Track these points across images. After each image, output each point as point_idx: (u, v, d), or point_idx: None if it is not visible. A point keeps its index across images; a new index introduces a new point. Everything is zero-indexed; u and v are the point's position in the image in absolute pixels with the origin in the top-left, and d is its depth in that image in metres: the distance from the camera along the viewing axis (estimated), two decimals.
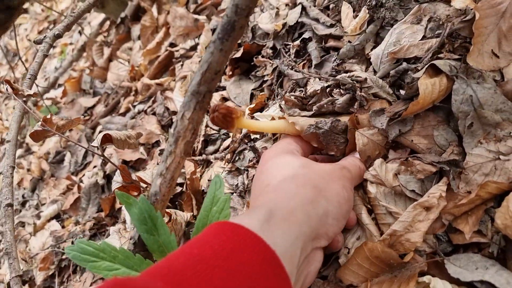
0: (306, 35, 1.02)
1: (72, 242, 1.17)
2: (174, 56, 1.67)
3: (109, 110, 1.93)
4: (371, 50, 0.82)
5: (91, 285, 1.21)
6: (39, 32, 3.72)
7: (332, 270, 0.68)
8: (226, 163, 1.01)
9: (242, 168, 0.94)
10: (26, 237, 1.68)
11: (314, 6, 1.05)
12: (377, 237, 0.64)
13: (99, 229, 1.38)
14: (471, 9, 0.68)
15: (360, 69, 0.82)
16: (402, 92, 0.70)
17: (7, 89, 0.94)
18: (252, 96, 1.13)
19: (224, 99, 1.22)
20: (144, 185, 0.98)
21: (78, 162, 1.85)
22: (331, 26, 0.96)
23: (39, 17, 3.90)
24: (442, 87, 0.64)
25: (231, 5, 0.48)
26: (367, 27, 0.84)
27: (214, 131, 1.16)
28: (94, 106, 2.14)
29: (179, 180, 1.11)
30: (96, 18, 2.71)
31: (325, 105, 0.77)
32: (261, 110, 1.02)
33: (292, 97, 0.83)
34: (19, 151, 2.41)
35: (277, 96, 1.00)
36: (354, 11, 0.91)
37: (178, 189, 1.10)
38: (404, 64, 0.72)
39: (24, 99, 0.98)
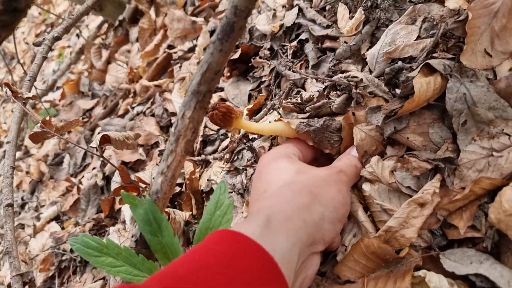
0: (303, 36, 1.03)
1: None
2: (172, 58, 1.68)
3: (107, 112, 1.94)
4: (367, 50, 0.83)
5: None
6: (37, 35, 3.72)
7: (330, 267, 0.69)
8: (225, 163, 1.02)
9: (241, 167, 0.96)
10: (25, 238, 1.69)
11: (311, 7, 1.06)
12: (373, 234, 0.65)
13: (99, 230, 1.39)
14: (464, 9, 0.70)
15: (356, 69, 0.83)
16: (398, 91, 0.71)
17: (6, 92, 0.95)
18: (250, 97, 1.15)
19: (223, 100, 1.23)
20: (143, 186, 0.99)
21: (77, 164, 1.85)
22: (328, 27, 0.97)
23: (36, 20, 3.90)
24: (437, 85, 0.66)
25: (230, 6, 0.49)
26: (363, 28, 0.85)
27: (213, 132, 1.18)
28: (92, 108, 2.15)
29: (179, 180, 1.12)
30: (94, 20, 2.72)
31: (321, 106, 0.79)
32: (259, 110, 1.03)
33: (290, 104, 0.85)
34: (18, 154, 2.41)
35: (275, 97, 1.01)
36: (350, 12, 0.93)
37: (177, 189, 1.11)
38: (399, 63, 0.74)
39: (24, 101, 0.99)
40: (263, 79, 1.12)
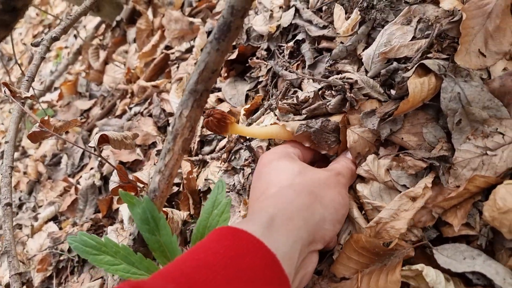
0: (300, 36, 1.04)
1: None
2: (170, 59, 1.68)
3: (105, 113, 1.94)
4: (363, 50, 0.84)
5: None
6: (34, 36, 3.72)
7: (326, 265, 0.70)
8: (222, 163, 1.02)
9: (238, 167, 0.96)
10: (23, 239, 1.68)
11: (307, 8, 1.07)
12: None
13: (97, 230, 1.39)
14: (459, 10, 0.70)
15: (352, 70, 0.84)
16: (393, 92, 0.72)
17: (5, 91, 0.95)
18: (247, 97, 1.15)
19: (220, 100, 1.24)
20: (141, 185, 0.99)
21: (75, 164, 1.85)
22: (324, 27, 0.98)
23: (33, 21, 3.90)
24: (431, 85, 0.66)
25: (227, 6, 0.50)
26: (359, 28, 0.86)
27: (210, 132, 1.18)
28: (90, 108, 2.15)
29: (176, 180, 1.12)
30: (91, 21, 2.72)
31: (317, 108, 0.79)
32: (256, 110, 1.04)
33: (286, 105, 0.85)
34: (15, 155, 2.40)
35: (272, 97, 1.02)
36: (346, 13, 0.93)
37: (175, 189, 1.12)
38: (395, 64, 0.74)
39: (22, 101, 0.99)
40: (260, 79, 1.13)
